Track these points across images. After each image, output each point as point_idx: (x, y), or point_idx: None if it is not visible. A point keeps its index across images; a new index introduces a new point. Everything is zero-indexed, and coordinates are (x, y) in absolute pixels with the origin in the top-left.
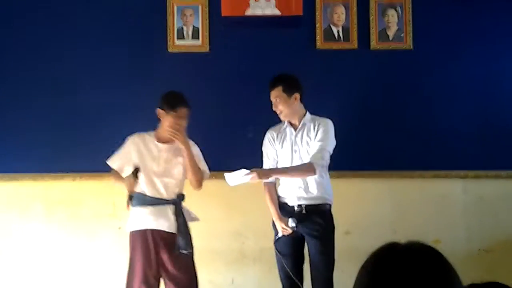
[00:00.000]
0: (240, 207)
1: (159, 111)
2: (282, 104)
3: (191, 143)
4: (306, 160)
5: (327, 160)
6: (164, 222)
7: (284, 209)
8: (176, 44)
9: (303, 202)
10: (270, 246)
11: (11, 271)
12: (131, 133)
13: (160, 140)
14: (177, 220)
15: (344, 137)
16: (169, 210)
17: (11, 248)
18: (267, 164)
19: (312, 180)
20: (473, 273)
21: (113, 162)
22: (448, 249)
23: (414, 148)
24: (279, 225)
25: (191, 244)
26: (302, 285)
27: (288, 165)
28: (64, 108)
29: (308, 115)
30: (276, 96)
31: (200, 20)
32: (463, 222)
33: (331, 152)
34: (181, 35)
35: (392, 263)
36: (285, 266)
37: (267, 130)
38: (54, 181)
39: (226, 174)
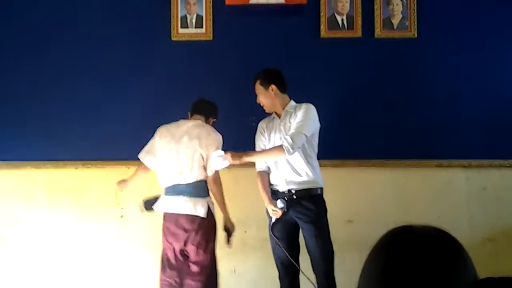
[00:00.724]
0: (242, 196)
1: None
2: (261, 96)
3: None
4: None
5: (299, 142)
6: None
7: (276, 195)
8: (180, 32)
9: (292, 187)
10: None
11: (15, 259)
12: (134, 123)
13: None
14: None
15: (347, 125)
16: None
17: (15, 236)
18: None
19: (300, 165)
20: (476, 261)
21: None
22: None
23: (417, 137)
24: (270, 209)
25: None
26: (299, 267)
27: None
28: (67, 97)
29: (291, 103)
30: (256, 90)
31: (204, 9)
32: (466, 211)
33: (308, 134)
34: (184, 24)
35: (410, 248)
36: (280, 247)
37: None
38: (57, 169)
39: (212, 157)
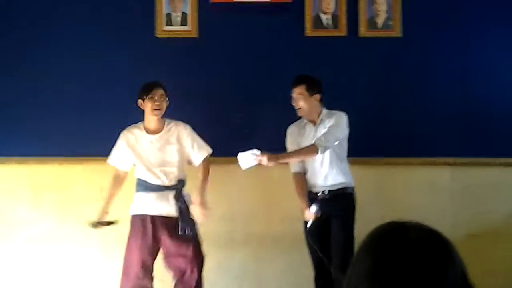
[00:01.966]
0: (230, 191)
1: (139, 102)
2: (302, 101)
3: (183, 125)
4: (327, 152)
5: (330, 142)
6: (164, 207)
7: (309, 197)
8: (165, 30)
9: (326, 189)
10: (258, 231)
11: None
12: (118, 118)
13: (149, 131)
14: (177, 204)
15: None
16: (170, 195)
17: None
18: None
19: (332, 168)
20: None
21: (112, 160)
22: None
23: (401, 135)
24: (305, 213)
25: (194, 226)
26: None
27: (310, 160)
28: (50, 93)
29: (324, 111)
30: (299, 93)
31: (189, 6)
32: (451, 208)
33: (339, 138)
34: (169, 21)
35: (398, 246)
36: (317, 250)
37: (257, 117)
38: (41, 165)
39: (240, 155)
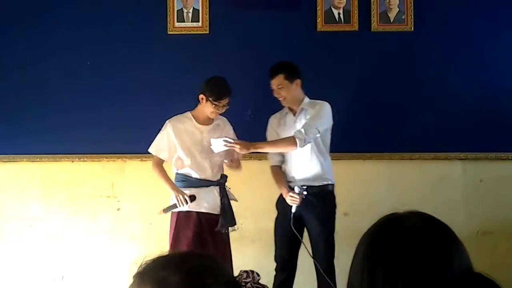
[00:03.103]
0: (239, 188)
1: (201, 97)
2: (284, 91)
3: (227, 121)
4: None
5: (311, 135)
6: (209, 204)
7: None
8: (176, 26)
9: (305, 183)
10: (268, 226)
11: (11, 253)
12: (130, 116)
13: (200, 121)
14: (221, 200)
15: (344, 119)
16: (215, 191)
17: (10, 230)
18: None
19: (313, 162)
20: (473, 254)
21: (158, 150)
22: None
23: (414, 130)
24: (288, 198)
25: (235, 222)
26: (296, 263)
27: (289, 153)
28: (62, 91)
29: (306, 99)
30: (279, 84)
31: (200, 2)
32: (463, 204)
33: (321, 129)
34: (181, 17)
35: (396, 228)
36: (301, 241)
37: (268, 114)
38: (53, 162)
39: (212, 140)
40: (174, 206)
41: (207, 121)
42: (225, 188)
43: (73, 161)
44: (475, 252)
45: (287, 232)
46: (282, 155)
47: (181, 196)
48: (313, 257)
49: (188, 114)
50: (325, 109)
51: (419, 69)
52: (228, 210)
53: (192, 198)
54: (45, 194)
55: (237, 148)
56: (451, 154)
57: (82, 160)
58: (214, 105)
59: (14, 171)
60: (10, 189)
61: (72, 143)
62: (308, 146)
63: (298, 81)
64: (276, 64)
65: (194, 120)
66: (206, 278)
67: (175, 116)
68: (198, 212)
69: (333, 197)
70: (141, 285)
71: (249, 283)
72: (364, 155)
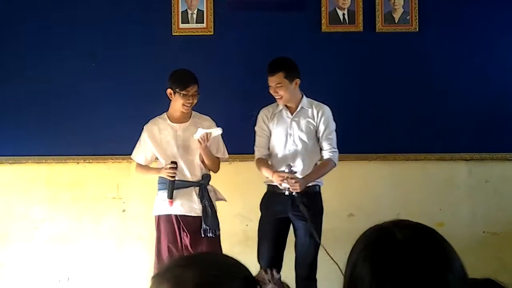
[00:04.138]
0: (243, 190)
1: (169, 91)
2: (283, 90)
3: (211, 121)
4: (299, 144)
5: (336, 149)
6: (188, 206)
7: (274, 193)
8: (181, 27)
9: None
10: None
11: (16, 255)
12: (134, 117)
13: (174, 119)
14: (201, 202)
15: (348, 120)
16: (194, 193)
17: (16, 231)
18: (260, 142)
19: (300, 161)
20: (477, 255)
21: (135, 156)
22: (452, 232)
23: (419, 131)
24: (277, 180)
25: (218, 226)
26: (281, 265)
27: (281, 148)
28: (67, 93)
29: (304, 99)
30: (278, 82)
31: (204, 3)
32: (468, 205)
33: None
34: (185, 19)
35: (392, 254)
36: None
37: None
38: (58, 164)
39: (199, 129)
40: (170, 185)
41: (183, 119)
42: (206, 189)
43: (78, 163)
44: (481, 253)
45: (275, 233)
46: (269, 149)
47: (164, 172)
48: (295, 260)
49: (164, 114)
50: (330, 116)
51: (424, 70)
52: (209, 212)
53: (174, 164)
54: (51, 196)
55: (297, 188)
56: (456, 154)
57: (88, 161)
58: (182, 95)
59: (19, 172)
60: (15, 191)
61: (77, 145)
62: (299, 142)
63: (298, 81)
64: (276, 61)
65: (168, 120)
66: (221, 273)
67: (151, 119)
68: (176, 215)
69: (321, 199)
70: (159, 285)
71: (271, 282)
72: (369, 156)
